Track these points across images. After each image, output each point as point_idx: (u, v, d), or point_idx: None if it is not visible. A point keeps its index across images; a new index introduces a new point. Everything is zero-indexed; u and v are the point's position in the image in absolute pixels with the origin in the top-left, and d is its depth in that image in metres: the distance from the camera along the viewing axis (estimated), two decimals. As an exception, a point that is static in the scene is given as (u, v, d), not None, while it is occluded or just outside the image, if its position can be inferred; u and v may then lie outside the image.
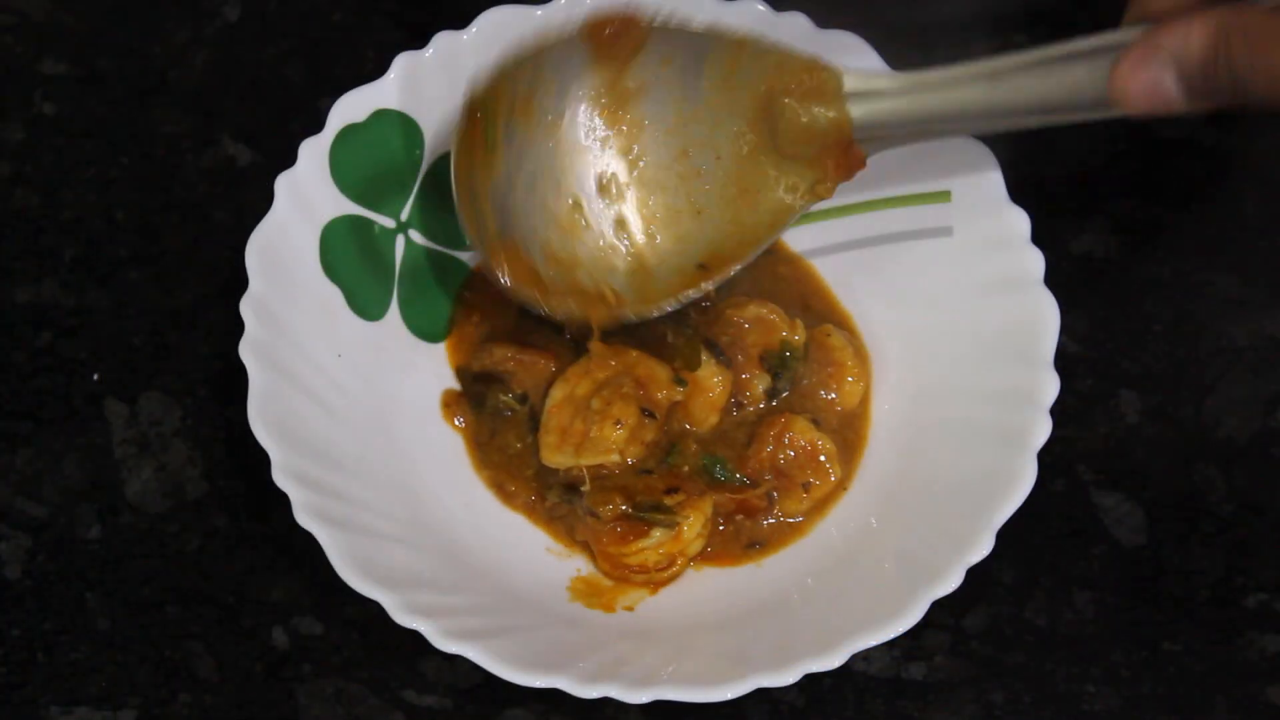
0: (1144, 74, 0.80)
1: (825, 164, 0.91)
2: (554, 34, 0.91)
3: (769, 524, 0.93)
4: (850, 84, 0.90)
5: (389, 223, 0.98)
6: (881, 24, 1.03)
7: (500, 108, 0.91)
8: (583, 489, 0.91)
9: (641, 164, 0.94)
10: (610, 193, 0.94)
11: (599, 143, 0.94)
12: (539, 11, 0.98)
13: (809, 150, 0.91)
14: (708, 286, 0.92)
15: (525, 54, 0.91)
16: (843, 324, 0.98)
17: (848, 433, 0.95)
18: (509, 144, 0.92)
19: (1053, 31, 1.08)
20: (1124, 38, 0.82)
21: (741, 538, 0.93)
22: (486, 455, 0.95)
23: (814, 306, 0.98)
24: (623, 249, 0.94)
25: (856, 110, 0.90)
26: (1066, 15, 1.09)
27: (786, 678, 0.83)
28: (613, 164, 0.94)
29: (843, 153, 0.90)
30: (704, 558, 0.92)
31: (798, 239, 1.00)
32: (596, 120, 0.93)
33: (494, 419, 0.95)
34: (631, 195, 0.94)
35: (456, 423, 0.96)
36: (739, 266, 0.93)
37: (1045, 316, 0.91)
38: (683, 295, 0.92)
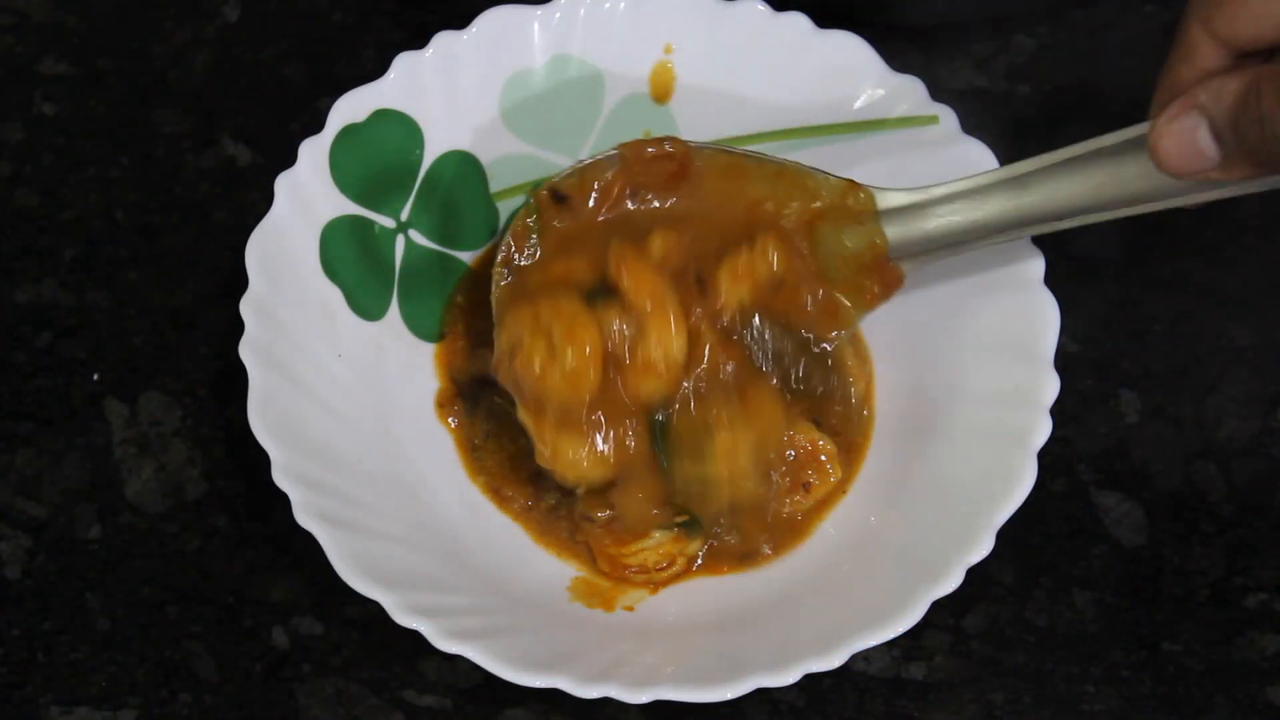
0: (1178, 127, 0.79)
1: (864, 284, 0.92)
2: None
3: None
4: (885, 201, 0.91)
5: (389, 223, 0.98)
6: (881, 24, 1.03)
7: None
8: (578, 491, 0.91)
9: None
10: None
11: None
12: (539, 11, 0.98)
13: (848, 272, 0.91)
14: None
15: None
16: None
17: (850, 433, 0.95)
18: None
19: (1053, 31, 1.09)
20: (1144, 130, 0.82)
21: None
22: (480, 460, 0.95)
23: None
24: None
25: (892, 230, 0.90)
26: (1065, 14, 1.09)
27: (786, 678, 0.83)
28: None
29: (880, 272, 0.91)
30: (705, 560, 0.92)
31: (798, 239, 1.00)
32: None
33: (488, 421, 0.95)
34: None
35: (450, 423, 0.96)
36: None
37: (1045, 316, 0.91)
38: None
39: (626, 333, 0.89)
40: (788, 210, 0.92)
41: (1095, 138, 0.85)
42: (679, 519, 0.91)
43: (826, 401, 0.93)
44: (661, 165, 0.93)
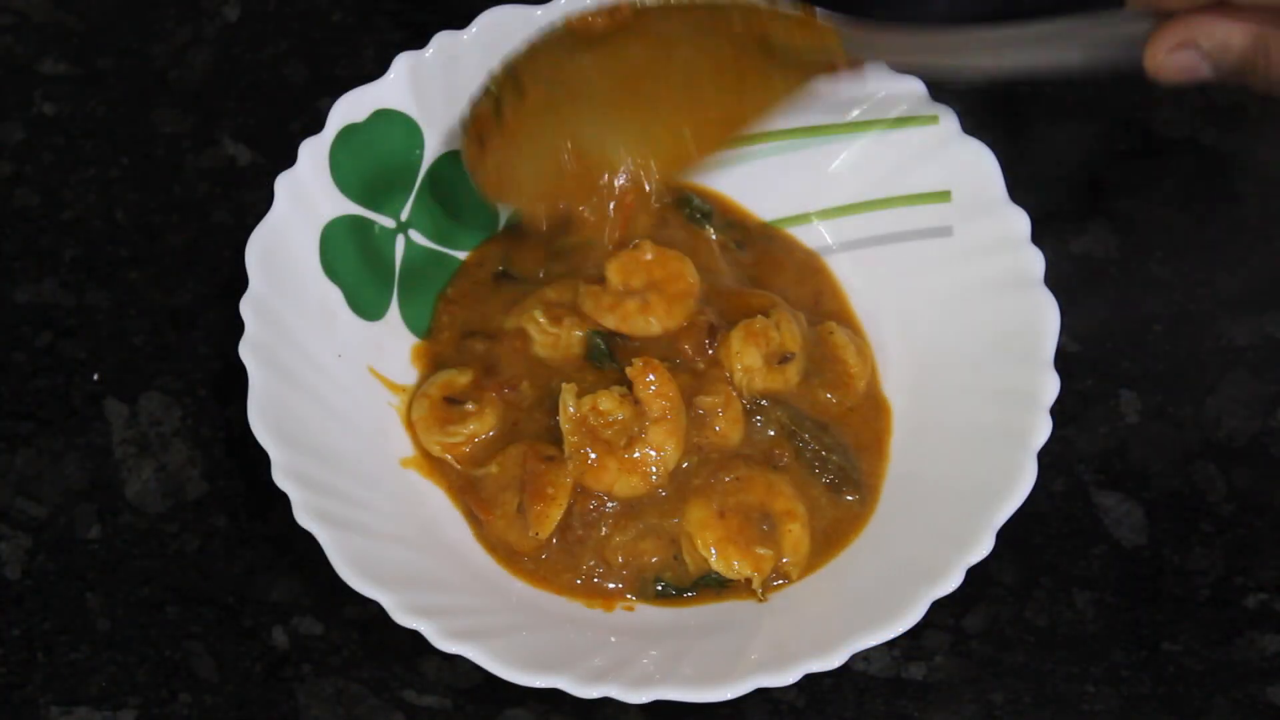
0: (1179, 62, 0.80)
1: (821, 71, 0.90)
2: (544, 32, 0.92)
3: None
4: (845, 32, 0.89)
5: (389, 223, 0.98)
6: (881, 24, 1.03)
7: (506, 91, 0.92)
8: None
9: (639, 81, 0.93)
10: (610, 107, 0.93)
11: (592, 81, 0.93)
12: (539, 11, 0.98)
13: (803, 63, 0.90)
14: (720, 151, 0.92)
15: (522, 49, 0.92)
16: (848, 321, 0.98)
17: (862, 431, 0.94)
18: (517, 118, 0.92)
19: (1053, 31, 1.09)
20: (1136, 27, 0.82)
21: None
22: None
23: (825, 304, 0.98)
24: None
25: (851, 44, 0.89)
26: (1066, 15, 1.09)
27: (786, 678, 0.83)
28: (608, 87, 0.93)
29: (837, 68, 0.90)
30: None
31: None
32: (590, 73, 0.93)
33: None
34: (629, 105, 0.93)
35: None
36: (754, 128, 0.92)
37: (1045, 316, 0.91)
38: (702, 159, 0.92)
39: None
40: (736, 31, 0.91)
41: (1072, 17, 0.84)
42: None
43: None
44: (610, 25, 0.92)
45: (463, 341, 0.96)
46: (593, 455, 0.90)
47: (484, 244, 1.00)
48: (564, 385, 0.91)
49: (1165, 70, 0.81)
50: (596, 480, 0.90)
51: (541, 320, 0.94)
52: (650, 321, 0.93)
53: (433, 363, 0.96)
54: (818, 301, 0.98)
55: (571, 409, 0.90)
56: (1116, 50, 0.84)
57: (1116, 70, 0.84)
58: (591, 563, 0.90)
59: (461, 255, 1.00)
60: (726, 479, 0.90)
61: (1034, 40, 0.85)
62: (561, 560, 0.90)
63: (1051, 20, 0.85)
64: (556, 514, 0.90)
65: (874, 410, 0.95)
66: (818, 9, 0.91)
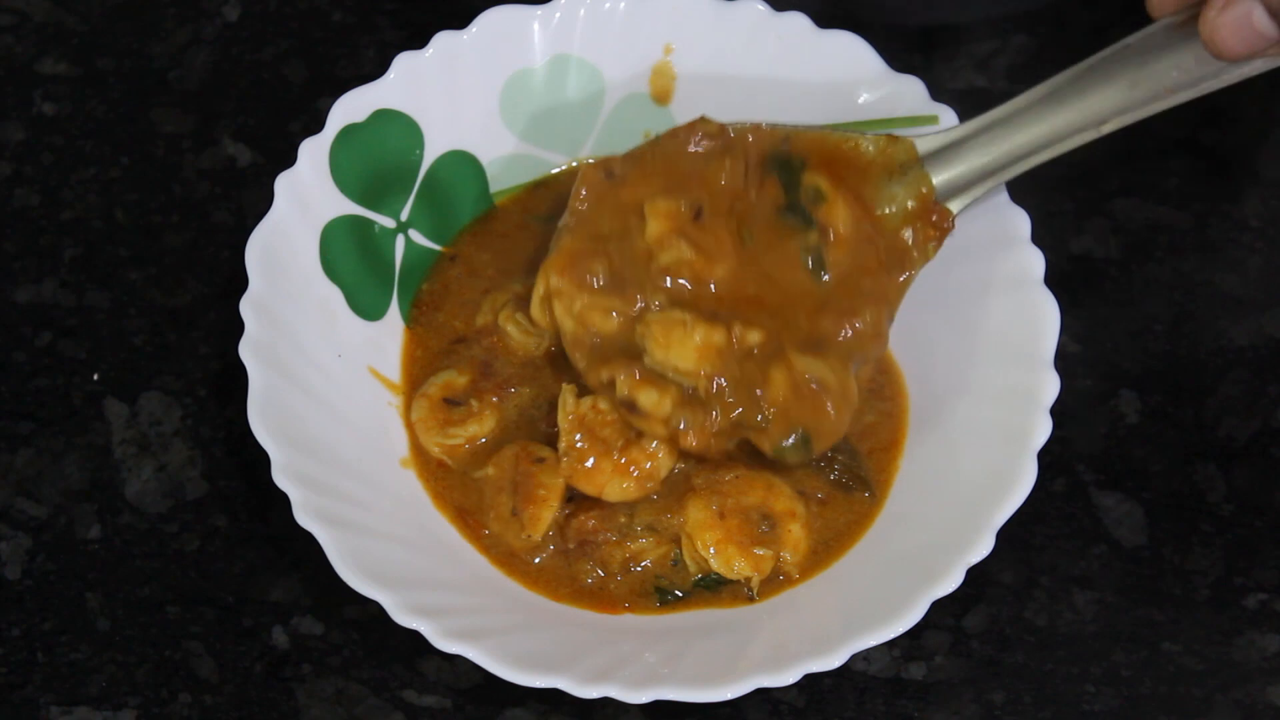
0: (1232, 15, 0.79)
1: (916, 230, 0.91)
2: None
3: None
4: (924, 147, 0.91)
5: (389, 223, 0.98)
6: (881, 24, 1.03)
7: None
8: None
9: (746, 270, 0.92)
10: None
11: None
12: (539, 11, 0.98)
13: (901, 225, 0.91)
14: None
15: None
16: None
17: (880, 434, 0.94)
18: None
19: (1054, 31, 1.09)
20: (1166, 23, 0.82)
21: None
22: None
23: None
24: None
25: (936, 175, 0.90)
26: (1068, 14, 1.09)
27: (786, 678, 0.83)
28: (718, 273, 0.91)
29: (930, 216, 0.91)
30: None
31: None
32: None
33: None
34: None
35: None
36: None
37: (1045, 316, 0.91)
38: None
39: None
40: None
41: (1116, 43, 0.85)
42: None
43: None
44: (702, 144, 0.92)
45: (453, 346, 0.96)
46: (589, 459, 0.89)
47: (458, 237, 0.99)
48: (565, 385, 0.90)
49: (1223, 32, 0.79)
50: (589, 482, 0.90)
51: (520, 320, 0.94)
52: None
53: (422, 361, 0.96)
54: None
55: (571, 408, 0.90)
56: (1190, 86, 0.84)
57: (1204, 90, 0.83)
58: (589, 565, 0.90)
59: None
60: (727, 478, 0.90)
61: (1092, 73, 0.85)
62: (560, 569, 0.90)
63: (1097, 55, 0.85)
64: (548, 515, 0.90)
65: (893, 411, 0.95)
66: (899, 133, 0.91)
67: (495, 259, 0.98)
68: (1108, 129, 0.87)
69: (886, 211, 0.91)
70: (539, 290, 0.90)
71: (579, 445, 0.89)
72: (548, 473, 0.90)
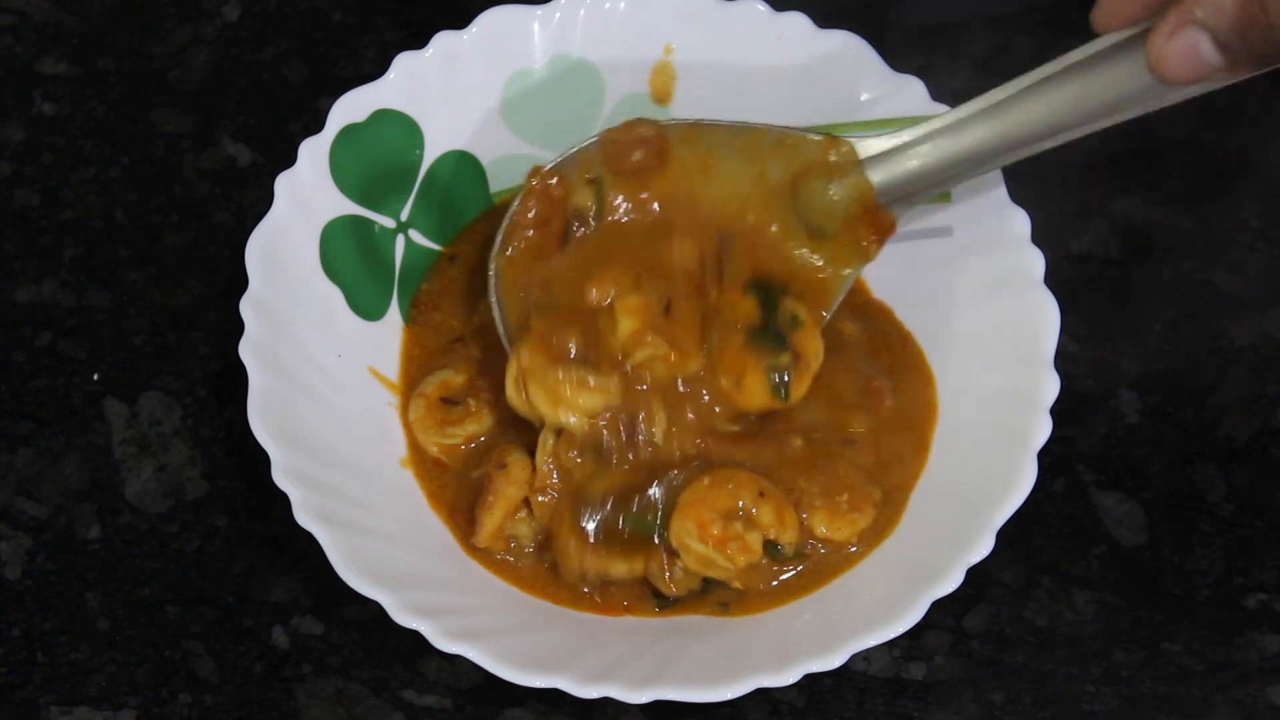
0: (1180, 44, 0.79)
1: (858, 236, 0.91)
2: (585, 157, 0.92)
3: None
4: (865, 150, 0.91)
5: (389, 223, 0.98)
6: (881, 24, 1.03)
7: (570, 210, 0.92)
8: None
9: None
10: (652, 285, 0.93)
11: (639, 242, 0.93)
12: (539, 11, 0.98)
13: (836, 224, 0.91)
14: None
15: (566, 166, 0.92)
16: (881, 316, 0.97)
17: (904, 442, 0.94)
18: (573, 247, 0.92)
19: (1054, 31, 1.09)
20: (1113, 40, 0.82)
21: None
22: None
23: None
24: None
25: (876, 175, 0.90)
26: (1065, 14, 1.09)
27: (786, 678, 0.83)
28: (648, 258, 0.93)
29: (872, 220, 0.91)
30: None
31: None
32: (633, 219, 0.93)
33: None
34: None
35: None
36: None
37: (1045, 316, 0.91)
38: None
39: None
40: (770, 177, 0.92)
41: (1061, 56, 0.85)
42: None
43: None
44: (639, 150, 0.92)
45: (451, 345, 0.96)
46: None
47: (457, 236, 0.99)
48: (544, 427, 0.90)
49: (1169, 59, 0.79)
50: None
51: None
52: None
53: (419, 360, 0.96)
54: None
55: (550, 449, 0.89)
56: (1136, 104, 0.83)
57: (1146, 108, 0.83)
58: (579, 581, 0.90)
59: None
60: (705, 482, 0.89)
61: (1038, 87, 0.85)
62: (551, 578, 0.90)
63: (1034, 71, 0.85)
64: (490, 524, 0.89)
65: (919, 418, 0.94)
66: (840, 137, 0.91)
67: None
68: (1050, 144, 0.87)
69: (834, 200, 0.91)
70: (511, 370, 0.90)
71: (552, 491, 0.89)
72: (505, 480, 0.90)
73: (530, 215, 0.92)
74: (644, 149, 0.92)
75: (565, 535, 0.88)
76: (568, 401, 0.89)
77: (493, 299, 0.91)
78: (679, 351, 0.90)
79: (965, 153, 0.88)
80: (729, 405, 0.90)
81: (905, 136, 0.90)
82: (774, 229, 0.92)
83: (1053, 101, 0.85)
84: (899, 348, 0.96)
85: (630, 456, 0.89)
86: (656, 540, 0.88)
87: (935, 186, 0.90)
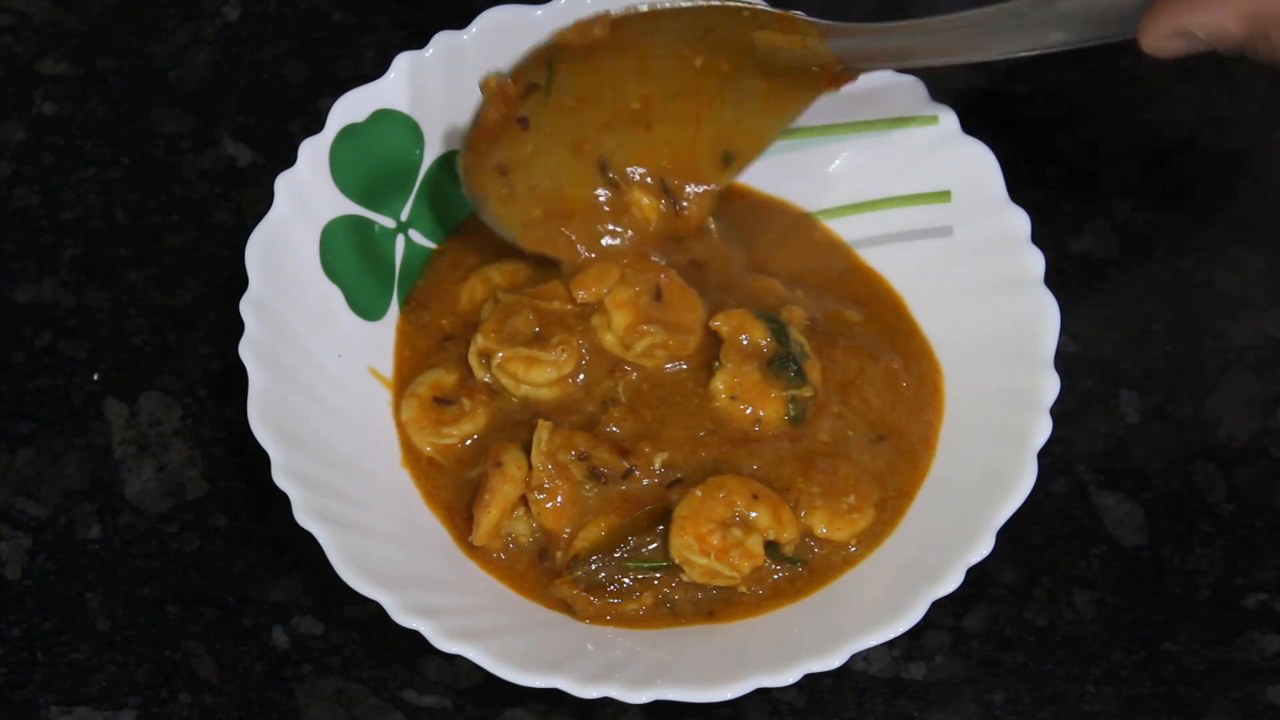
0: (1175, 45, 0.80)
1: (816, 83, 0.93)
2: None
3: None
4: (827, 30, 0.92)
5: (389, 223, 0.98)
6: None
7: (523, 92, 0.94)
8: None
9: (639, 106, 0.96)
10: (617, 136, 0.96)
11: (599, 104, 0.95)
12: (539, 11, 0.98)
13: (796, 75, 0.93)
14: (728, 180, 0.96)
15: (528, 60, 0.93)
16: (891, 311, 0.97)
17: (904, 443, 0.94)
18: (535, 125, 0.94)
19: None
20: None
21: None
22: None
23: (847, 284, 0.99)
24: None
25: (836, 45, 0.92)
26: None
27: (786, 678, 0.83)
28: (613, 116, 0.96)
29: (830, 77, 0.93)
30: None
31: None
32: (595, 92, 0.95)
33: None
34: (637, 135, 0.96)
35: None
36: (755, 156, 0.95)
37: (1045, 316, 0.91)
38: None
39: None
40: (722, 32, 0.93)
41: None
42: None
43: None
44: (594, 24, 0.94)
45: (442, 344, 0.96)
46: (558, 497, 0.90)
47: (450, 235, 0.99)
48: (540, 422, 0.90)
49: (1163, 52, 0.80)
50: (556, 522, 0.90)
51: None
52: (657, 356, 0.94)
53: (410, 361, 0.96)
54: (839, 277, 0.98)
55: (545, 445, 0.90)
56: (1104, 28, 0.84)
57: (1105, 43, 0.84)
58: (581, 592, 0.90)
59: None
60: (698, 494, 0.89)
61: (1015, 23, 0.86)
62: (548, 581, 0.90)
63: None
64: (487, 523, 0.89)
65: (930, 408, 0.94)
66: (799, 12, 0.92)
67: (479, 248, 0.98)
68: (996, 55, 0.88)
69: (786, 56, 0.93)
70: (474, 347, 0.93)
71: (548, 486, 0.89)
72: (501, 478, 0.90)
73: (494, 118, 0.93)
74: (598, 28, 0.93)
75: (570, 588, 0.89)
76: (525, 378, 0.92)
77: (469, 198, 0.94)
78: (677, 335, 0.92)
79: (921, 39, 0.90)
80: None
81: (869, 25, 0.91)
82: (724, 66, 0.94)
83: (1020, 17, 0.87)
84: (907, 336, 0.96)
85: (630, 470, 0.90)
86: (659, 577, 0.89)
87: (894, 61, 0.92)
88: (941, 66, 0.92)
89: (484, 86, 0.92)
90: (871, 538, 0.90)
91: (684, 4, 0.92)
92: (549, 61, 0.93)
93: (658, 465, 0.90)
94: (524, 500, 0.90)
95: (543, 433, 0.90)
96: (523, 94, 0.93)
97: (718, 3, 0.92)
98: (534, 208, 0.96)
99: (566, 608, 0.88)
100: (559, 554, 0.89)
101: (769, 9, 0.93)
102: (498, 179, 0.94)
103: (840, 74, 0.93)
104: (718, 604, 0.89)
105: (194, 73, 1.09)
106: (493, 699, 0.89)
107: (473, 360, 0.93)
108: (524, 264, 0.97)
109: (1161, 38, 0.80)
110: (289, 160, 0.94)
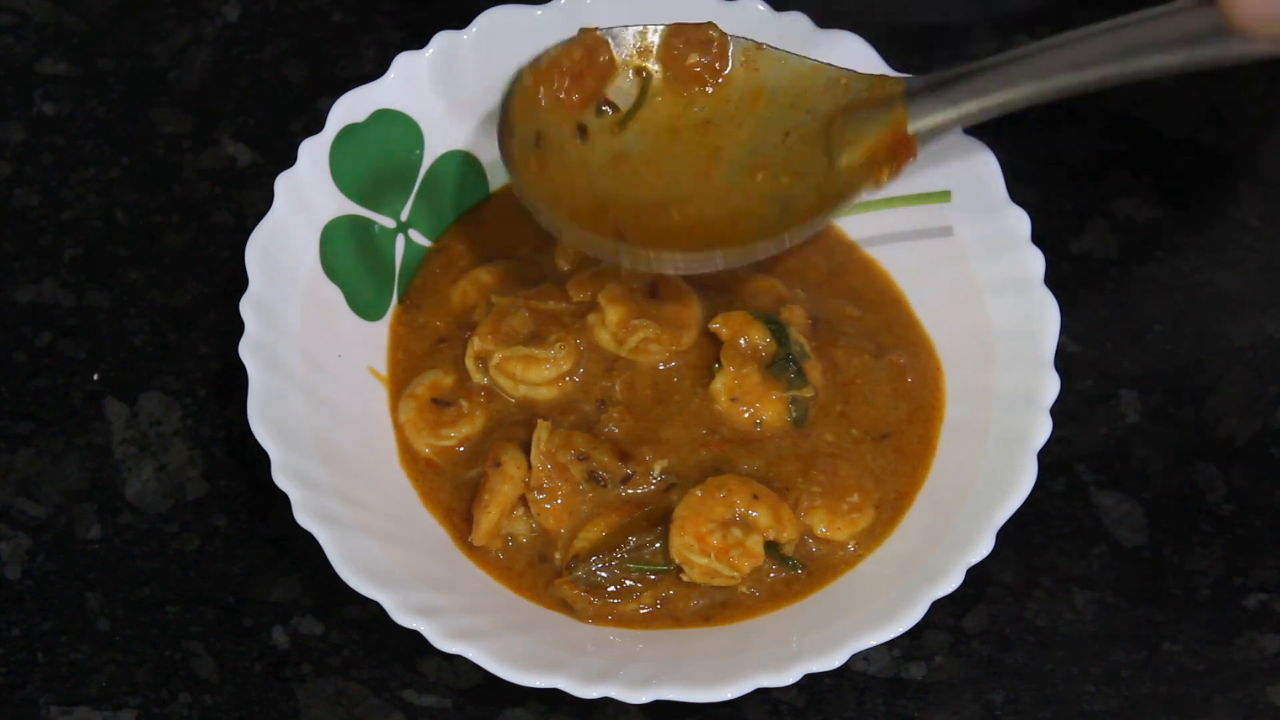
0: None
1: (876, 158, 0.91)
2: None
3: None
4: (912, 86, 0.90)
5: (389, 223, 0.98)
6: (882, 24, 1.03)
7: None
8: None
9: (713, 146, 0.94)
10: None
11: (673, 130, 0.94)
12: (539, 11, 0.98)
13: (860, 149, 0.91)
14: (758, 256, 0.92)
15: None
16: (893, 304, 0.97)
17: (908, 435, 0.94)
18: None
19: (1054, 31, 1.09)
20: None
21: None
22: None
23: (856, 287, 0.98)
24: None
25: (917, 119, 0.90)
26: (1066, 14, 1.09)
27: (786, 678, 0.83)
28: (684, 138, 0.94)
29: (896, 145, 0.91)
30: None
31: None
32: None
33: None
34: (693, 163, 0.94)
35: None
36: (788, 241, 0.91)
37: (1045, 316, 0.91)
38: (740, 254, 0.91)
39: None
40: (815, 111, 0.92)
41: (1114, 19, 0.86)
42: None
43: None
44: (698, 54, 0.92)
45: (437, 347, 0.96)
46: (558, 498, 0.89)
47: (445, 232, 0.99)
48: (540, 421, 0.90)
49: (1256, 12, 0.79)
50: (556, 522, 0.90)
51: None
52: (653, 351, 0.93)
53: (404, 364, 0.96)
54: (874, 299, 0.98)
55: (544, 445, 0.90)
56: (1185, 48, 0.84)
57: (1197, 68, 0.84)
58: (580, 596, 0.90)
59: (461, 255, 1.00)
60: (698, 494, 0.89)
61: (1093, 52, 0.85)
62: (548, 582, 0.90)
63: (1101, 26, 0.85)
64: (487, 523, 0.89)
65: (929, 404, 0.94)
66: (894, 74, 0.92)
67: (471, 248, 0.98)
68: (1090, 87, 0.87)
69: (867, 128, 0.91)
70: (471, 350, 0.93)
71: (547, 486, 0.89)
72: (500, 479, 0.90)
73: (570, 60, 0.91)
74: (703, 55, 0.92)
75: (570, 588, 0.89)
76: (523, 377, 0.92)
77: (501, 114, 0.91)
78: (670, 331, 0.92)
79: (1008, 94, 0.88)
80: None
81: (950, 73, 0.89)
82: (798, 145, 0.92)
83: (1098, 44, 0.86)
84: (905, 328, 0.96)
85: (628, 473, 0.90)
86: (655, 576, 0.89)
87: (967, 120, 0.90)
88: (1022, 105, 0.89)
89: (583, 32, 0.91)
90: (871, 538, 0.90)
91: (793, 55, 0.92)
92: (644, 84, 0.92)
93: (657, 472, 0.90)
94: (523, 500, 0.90)
95: (542, 432, 0.90)
96: (604, 78, 0.92)
97: (823, 63, 0.92)
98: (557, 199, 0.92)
99: (566, 608, 0.88)
100: (558, 554, 0.89)
101: (864, 73, 0.92)
102: (532, 148, 0.91)
103: (906, 143, 0.90)
104: (716, 608, 0.89)
105: (194, 73, 1.09)
106: (493, 699, 0.89)
107: (470, 364, 0.93)
108: (515, 264, 0.96)
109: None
110: (289, 160, 0.94)
